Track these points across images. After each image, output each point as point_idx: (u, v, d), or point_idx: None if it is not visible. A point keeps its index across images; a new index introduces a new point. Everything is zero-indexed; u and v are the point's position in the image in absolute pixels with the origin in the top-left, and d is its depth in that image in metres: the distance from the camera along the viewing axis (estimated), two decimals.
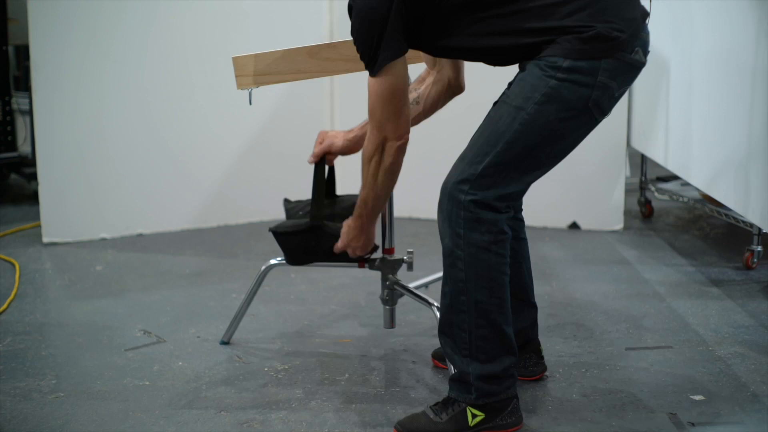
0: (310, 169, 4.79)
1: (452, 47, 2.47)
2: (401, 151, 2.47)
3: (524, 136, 2.35)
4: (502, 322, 2.45)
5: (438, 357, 2.92)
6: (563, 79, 2.32)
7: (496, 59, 2.48)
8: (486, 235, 2.38)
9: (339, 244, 2.72)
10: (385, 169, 2.49)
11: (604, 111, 2.40)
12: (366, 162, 2.50)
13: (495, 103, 2.47)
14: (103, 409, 2.66)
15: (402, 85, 2.42)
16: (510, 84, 2.45)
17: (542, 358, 2.83)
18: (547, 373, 2.83)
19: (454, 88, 2.77)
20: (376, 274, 2.93)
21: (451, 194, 2.39)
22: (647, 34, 2.44)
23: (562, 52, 2.32)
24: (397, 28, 2.36)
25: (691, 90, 3.84)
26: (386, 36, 2.35)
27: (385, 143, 2.45)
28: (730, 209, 3.78)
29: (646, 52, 2.43)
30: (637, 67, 2.41)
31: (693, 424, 2.54)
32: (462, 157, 2.42)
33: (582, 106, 2.35)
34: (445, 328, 2.49)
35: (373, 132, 2.45)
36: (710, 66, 3.69)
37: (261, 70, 2.84)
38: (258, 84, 2.86)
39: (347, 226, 2.69)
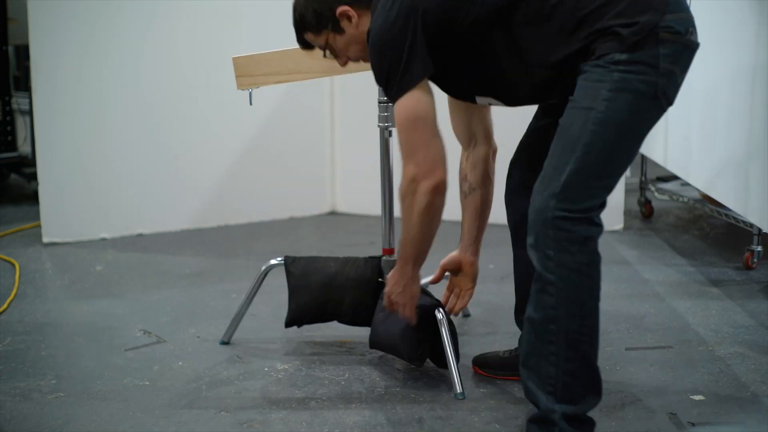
0: (309, 169, 4.78)
1: (483, 78, 2.37)
2: (436, 192, 2.30)
3: (600, 135, 2.20)
4: (592, 356, 2.29)
5: (479, 363, 2.85)
6: (626, 70, 2.19)
7: (533, 84, 2.34)
8: (578, 256, 2.21)
9: (386, 298, 2.59)
10: (418, 211, 2.33)
11: (670, 100, 2.27)
12: (401, 200, 2.34)
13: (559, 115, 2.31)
14: (103, 409, 2.66)
15: (426, 110, 2.29)
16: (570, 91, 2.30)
17: None
18: None
19: (492, 154, 2.74)
20: None
21: (538, 212, 2.22)
22: (687, 11, 2.30)
23: (615, 48, 2.20)
24: (418, 52, 2.26)
25: (691, 90, 3.84)
26: (407, 59, 2.25)
27: (417, 182, 2.29)
28: (729, 209, 3.78)
29: (696, 32, 2.30)
30: (693, 48, 2.28)
31: (693, 424, 2.54)
32: (543, 174, 2.26)
33: (651, 94, 2.22)
34: (529, 360, 2.31)
35: (404, 168, 2.31)
36: (710, 66, 3.69)
37: (261, 71, 2.84)
38: (258, 84, 2.86)
39: (391, 273, 2.57)
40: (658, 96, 2.23)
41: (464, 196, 2.76)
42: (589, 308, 2.26)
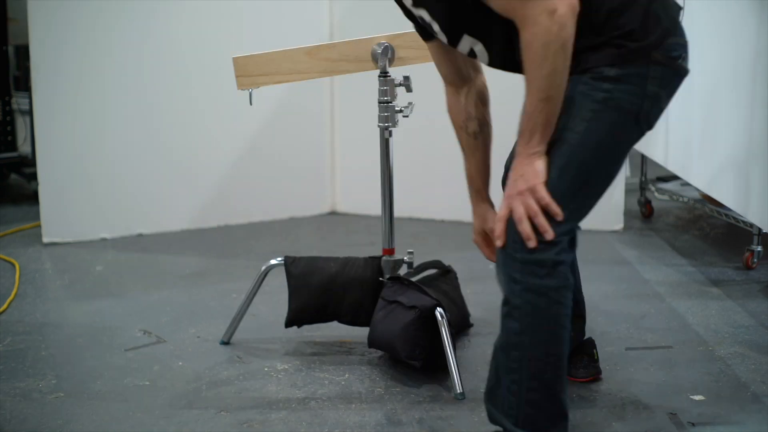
0: (309, 169, 4.78)
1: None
2: (574, 15, 2.04)
3: (576, 157, 2.11)
4: (558, 387, 2.16)
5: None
6: (610, 90, 2.10)
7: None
8: (546, 279, 2.09)
9: (521, 187, 2.12)
10: (564, 47, 2.04)
11: (650, 125, 2.18)
12: (544, 48, 2.02)
13: None
14: (103, 409, 2.66)
15: None
16: None
17: (596, 360, 2.76)
18: (601, 376, 2.80)
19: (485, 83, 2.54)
20: None
21: (506, 234, 2.11)
22: (685, 37, 2.21)
23: (606, 60, 2.11)
24: None
25: (692, 90, 3.84)
26: None
27: (556, 13, 2.00)
28: (730, 209, 3.78)
29: (687, 58, 2.21)
30: (682, 75, 2.19)
31: (693, 424, 2.54)
32: None
33: (634, 116, 2.13)
34: (491, 393, 2.20)
35: (540, 14, 2.01)
36: (710, 65, 3.69)
37: (261, 71, 2.85)
38: (258, 84, 2.86)
39: (521, 166, 2.13)
40: (640, 119, 2.15)
41: (473, 136, 2.53)
42: (555, 335, 2.13)
